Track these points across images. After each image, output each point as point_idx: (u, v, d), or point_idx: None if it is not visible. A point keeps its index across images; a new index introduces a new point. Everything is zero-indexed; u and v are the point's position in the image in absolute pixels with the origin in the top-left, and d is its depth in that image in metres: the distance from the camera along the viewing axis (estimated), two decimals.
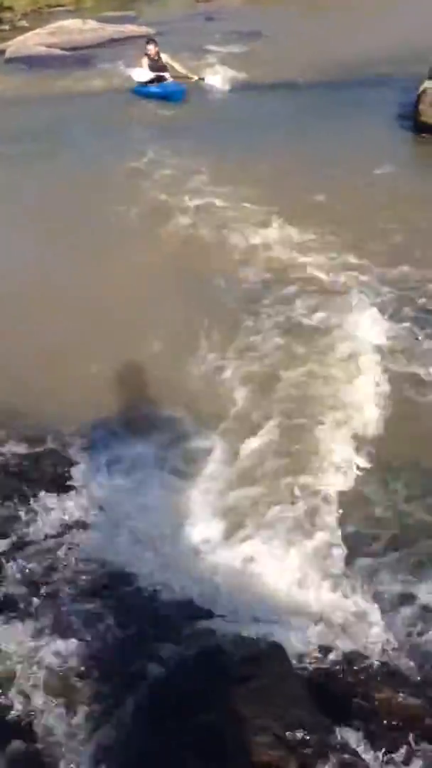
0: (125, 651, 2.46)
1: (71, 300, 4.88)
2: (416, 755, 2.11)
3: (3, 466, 3.45)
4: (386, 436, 3.60)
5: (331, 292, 4.81)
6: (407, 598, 2.75)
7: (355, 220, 5.82)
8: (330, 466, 3.41)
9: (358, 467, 3.43)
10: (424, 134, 7.66)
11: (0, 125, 9.49)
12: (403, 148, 7.57)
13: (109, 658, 2.42)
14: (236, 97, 10.10)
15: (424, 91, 7.67)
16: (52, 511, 3.17)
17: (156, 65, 10.38)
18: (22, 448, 3.58)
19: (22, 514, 3.14)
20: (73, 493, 3.30)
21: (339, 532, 3.06)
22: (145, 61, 10.42)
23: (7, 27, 16.84)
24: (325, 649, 2.52)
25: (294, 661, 2.38)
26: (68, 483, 3.35)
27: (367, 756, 2.09)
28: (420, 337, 4.28)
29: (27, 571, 2.84)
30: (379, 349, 4.19)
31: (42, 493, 3.24)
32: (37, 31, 14.90)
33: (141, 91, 10.47)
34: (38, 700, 2.25)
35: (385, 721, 2.21)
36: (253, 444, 3.55)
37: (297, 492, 3.25)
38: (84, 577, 2.83)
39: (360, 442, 3.57)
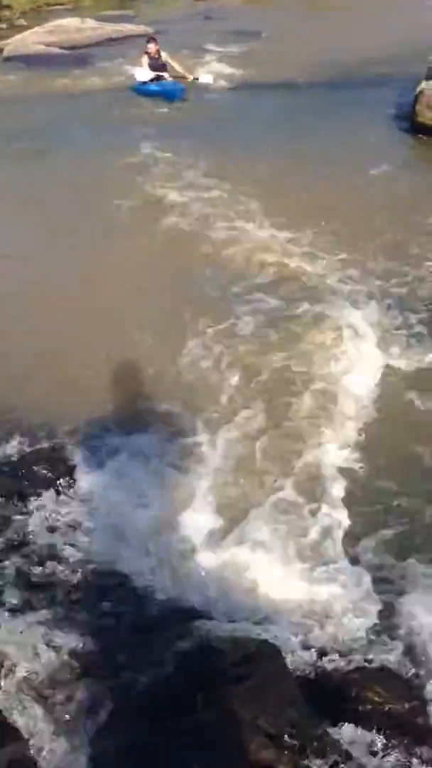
0: (121, 651, 2.48)
1: (66, 298, 4.89)
2: (409, 754, 2.13)
3: None
4: (381, 429, 3.66)
5: (328, 288, 4.85)
6: (403, 598, 2.76)
7: (351, 218, 5.85)
8: (324, 460, 3.44)
9: (352, 460, 3.46)
10: (420, 135, 7.67)
11: None
12: (400, 149, 7.58)
13: (105, 658, 2.43)
14: (235, 97, 10.09)
15: (421, 92, 7.68)
16: (49, 510, 3.18)
17: (156, 64, 10.36)
18: (15, 448, 3.59)
19: (18, 513, 3.15)
20: (69, 491, 3.31)
21: (333, 532, 3.08)
22: (145, 59, 10.40)
23: (5, 25, 16.71)
24: (320, 649, 2.54)
25: (288, 661, 2.39)
26: (64, 482, 3.36)
27: (361, 755, 2.11)
28: (414, 330, 4.40)
29: (23, 570, 2.85)
30: (373, 343, 4.27)
31: (38, 492, 3.26)
32: (36, 29, 14.80)
33: (140, 89, 10.45)
34: (35, 700, 2.25)
35: (378, 721, 2.23)
36: (246, 438, 3.58)
37: (291, 488, 3.28)
38: (80, 577, 2.85)
39: (354, 434, 3.62)
